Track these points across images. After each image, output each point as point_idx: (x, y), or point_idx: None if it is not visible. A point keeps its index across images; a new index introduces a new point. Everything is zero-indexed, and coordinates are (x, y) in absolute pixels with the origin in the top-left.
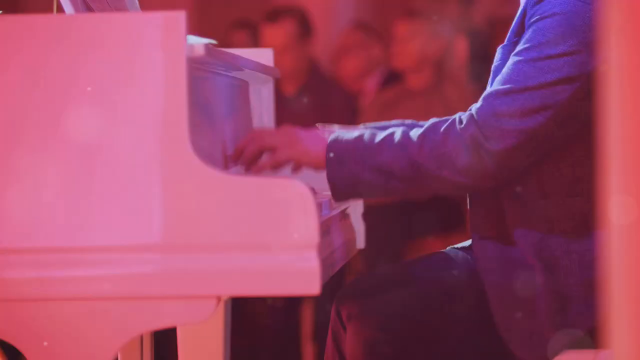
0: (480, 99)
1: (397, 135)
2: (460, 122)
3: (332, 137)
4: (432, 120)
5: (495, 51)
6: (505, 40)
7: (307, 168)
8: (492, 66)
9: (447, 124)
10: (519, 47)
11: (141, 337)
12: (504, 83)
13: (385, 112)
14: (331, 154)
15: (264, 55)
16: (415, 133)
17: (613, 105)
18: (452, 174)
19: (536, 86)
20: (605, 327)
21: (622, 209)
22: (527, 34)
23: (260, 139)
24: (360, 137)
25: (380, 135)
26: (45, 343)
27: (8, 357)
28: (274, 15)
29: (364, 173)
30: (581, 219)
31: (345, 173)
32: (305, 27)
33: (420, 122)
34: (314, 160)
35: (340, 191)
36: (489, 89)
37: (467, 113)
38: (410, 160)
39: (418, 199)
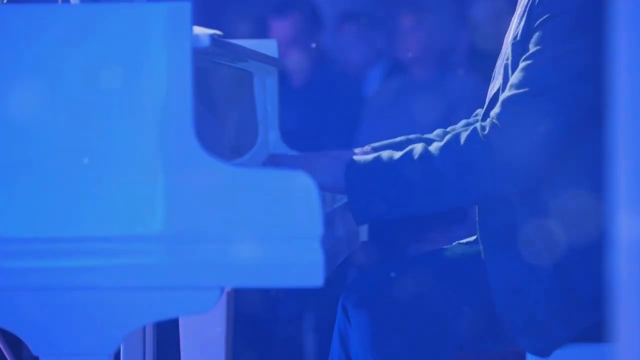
0: (499, 104)
1: (418, 150)
2: (483, 129)
3: (351, 159)
4: (450, 133)
5: (498, 43)
6: (518, 36)
7: (328, 192)
8: (501, 63)
9: (468, 132)
10: (531, 49)
11: (144, 328)
12: (520, 86)
13: (390, 104)
14: (351, 174)
15: (268, 47)
16: (435, 146)
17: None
18: (476, 182)
19: (555, 86)
20: (610, 321)
21: (631, 206)
22: (538, 36)
23: (281, 161)
24: (379, 157)
25: (399, 153)
26: (47, 333)
27: (10, 346)
28: (283, 8)
29: (387, 190)
30: (589, 217)
31: (367, 192)
32: (313, 19)
33: (426, 136)
34: (335, 184)
35: (363, 211)
36: (506, 94)
37: (487, 120)
38: (434, 172)
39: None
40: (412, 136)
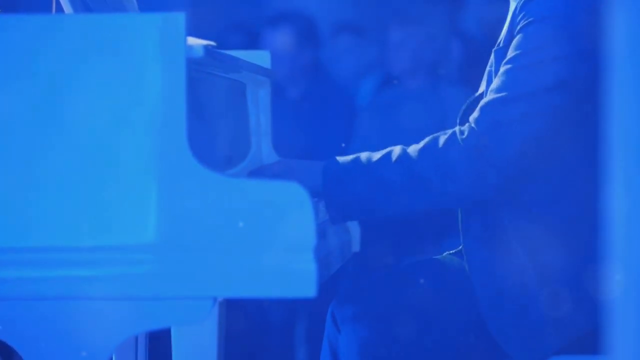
0: (477, 109)
1: (396, 152)
2: (462, 133)
3: (328, 160)
4: (429, 137)
5: (489, 51)
6: (501, 43)
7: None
8: (486, 70)
9: (447, 136)
10: (510, 54)
11: (136, 337)
12: (499, 91)
13: (383, 114)
14: (329, 174)
15: (261, 58)
16: (414, 148)
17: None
18: (454, 186)
19: (532, 92)
20: (606, 332)
21: (624, 211)
22: (518, 39)
23: (260, 172)
24: (357, 158)
25: (378, 154)
26: (39, 342)
27: (3, 356)
28: (277, 20)
29: (363, 190)
30: (574, 221)
31: (343, 192)
32: (308, 33)
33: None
34: (312, 184)
35: (339, 211)
36: (485, 99)
37: (466, 125)
38: (411, 174)
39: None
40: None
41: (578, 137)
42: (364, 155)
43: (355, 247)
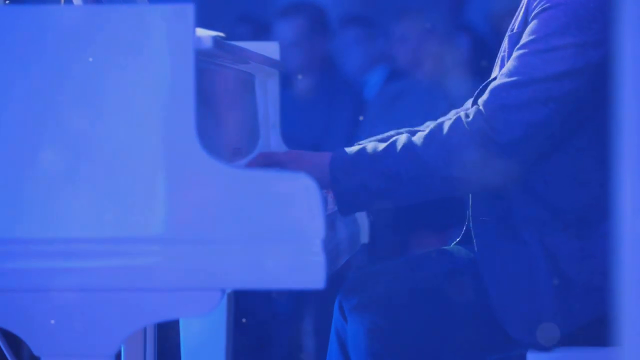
0: (487, 91)
1: (402, 140)
2: (467, 116)
3: (335, 151)
4: (434, 122)
5: (496, 44)
6: (515, 29)
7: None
8: (499, 55)
9: (452, 120)
10: (524, 39)
11: (145, 329)
12: (510, 75)
13: (390, 107)
14: (336, 166)
15: (270, 49)
16: (419, 135)
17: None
18: (460, 171)
19: (543, 78)
20: (616, 323)
21: (634, 198)
22: (532, 25)
23: (269, 158)
24: (363, 148)
25: (384, 143)
26: (48, 334)
27: (11, 347)
28: (287, 12)
29: (371, 181)
30: (584, 208)
31: (351, 183)
32: (318, 23)
33: (417, 128)
34: (320, 175)
35: (348, 203)
36: (495, 82)
37: (474, 107)
38: (417, 161)
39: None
40: (402, 130)
41: (589, 123)
42: (370, 145)
43: (364, 238)
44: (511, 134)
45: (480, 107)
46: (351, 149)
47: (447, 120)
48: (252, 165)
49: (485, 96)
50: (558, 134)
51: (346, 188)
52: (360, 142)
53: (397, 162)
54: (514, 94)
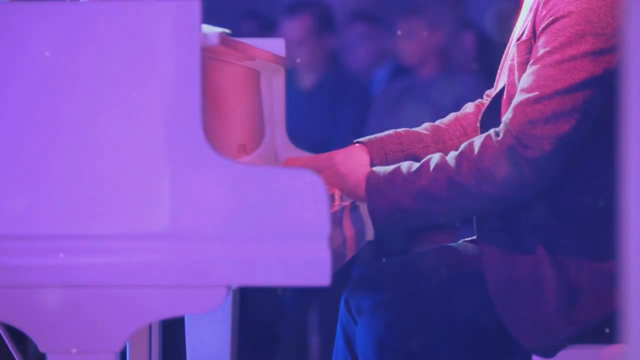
0: (510, 109)
1: (435, 160)
2: (497, 134)
3: (370, 170)
4: (467, 140)
5: (501, 41)
6: (522, 37)
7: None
8: (506, 62)
9: (482, 139)
10: (539, 52)
11: (150, 326)
12: (531, 90)
13: (395, 103)
14: (371, 186)
15: (275, 45)
16: (451, 155)
17: (633, 102)
18: (492, 189)
19: (565, 89)
20: (622, 322)
21: None
22: (545, 37)
23: (307, 164)
24: (398, 168)
25: (417, 163)
26: (53, 330)
27: (16, 343)
28: (293, 9)
29: (404, 201)
30: (591, 214)
31: (385, 203)
32: (324, 21)
33: (415, 129)
34: (354, 193)
35: (382, 222)
36: (517, 99)
37: (501, 126)
38: (449, 180)
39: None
40: (401, 130)
41: (601, 130)
42: (404, 165)
43: (370, 236)
44: (541, 148)
45: (507, 125)
46: (386, 169)
47: (478, 139)
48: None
49: (510, 114)
50: (584, 143)
51: (380, 208)
52: (359, 140)
53: (428, 184)
54: (539, 108)
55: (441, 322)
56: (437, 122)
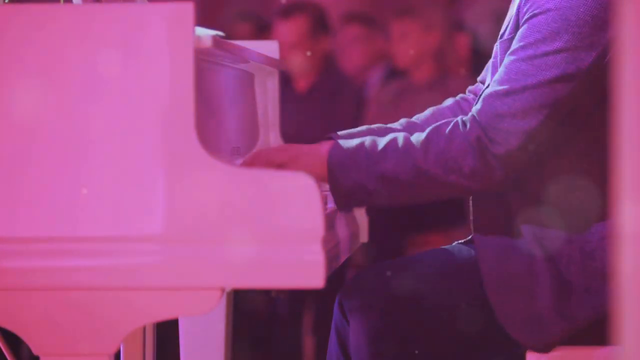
0: (479, 99)
1: (400, 142)
2: (464, 124)
3: (332, 145)
4: (433, 125)
5: (495, 42)
6: (505, 35)
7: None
8: (497, 59)
9: (450, 127)
10: (514, 46)
11: (144, 328)
12: (502, 83)
13: (389, 106)
14: (334, 163)
15: (269, 48)
16: (417, 138)
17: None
18: (459, 179)
19: (535, 84)
20: (615, 323)
21: (635, 199)
22: (522, 32)
23: (267, 156)
24: (361, 145)
25: (382, 142)
26: (47, 333)
27: (9, 346)
28: (288, 11)
29: (368, 182)
30: (582, 210)
31: (348, 182)
32: (319, 24)
33: (389, 125)
34: (319, 172)
35: (344, 201)
36: (487, 90)
37: (469, 115)
38: (415, 167)
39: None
40: (374, 126)
41: (587, 128)
42: (368, 142)
43: (364, 238)
44: (508, 143)
45: (475, 115)
46: (349, 144)
47: (445, 125)
48: (249, 163)
49: (478, 105)
50: (554, 140)
51: (342, 184)
52: (341, 133)
53: (394, 167)
54: (508, 102)
55: (435, 321)
56: (414, 118)
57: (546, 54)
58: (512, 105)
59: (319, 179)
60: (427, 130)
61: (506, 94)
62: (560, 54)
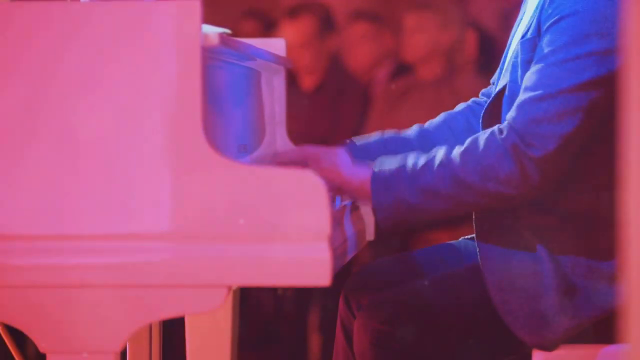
0: (514, 107)
1: (440, 156)
2: (500, 132)
3: (376, 165)
4: (472, 136)
5: (504, 42)
6: (527, 35)
7: (346, 195)
8: (517, 59)
9: (486, 136)
10: (545, 50)
11: (150, 326)
12: (535, 89)
13: (396, 104)
14: (377, 181)
15: (276, 45)
16: (456, 151)
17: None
18: (496, 186)
19: (569, 88)
20: (622, 321)
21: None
22: (550, 35)
23: (306, 153)
24: (403, 163)
25: (423, 159)
26: (54, 330)
27: (16, 343)
28: (295, 11)
29: (410, 197)
30: (591, 213)
31: (391, 199)
32: (326, 23)
33: (403, 132)
34: (355, 188)
35: (388, 218)
36: (520, 97)
37: (505, 124)
38: (454, 177)
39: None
40: (386, 135)
41: (602, 130)
42: (410, 160)
43: (370, 235)
44: (544, 147)
45: (511, 123)
46: (392, 163)
47: (482, 135)
48: (287, 153)
49: (513, 112)
50: (587, 143)
51: (386, 204)
52: (354, 140)
53: (434, 180)
54: (544, 107)
55: (440, 319)
56: (427, 124)
57: (577, 56)
58: (548, 110)
59: (352, 196)
60: (466, 142)
61: (541, 98)
62: (591, 56)
